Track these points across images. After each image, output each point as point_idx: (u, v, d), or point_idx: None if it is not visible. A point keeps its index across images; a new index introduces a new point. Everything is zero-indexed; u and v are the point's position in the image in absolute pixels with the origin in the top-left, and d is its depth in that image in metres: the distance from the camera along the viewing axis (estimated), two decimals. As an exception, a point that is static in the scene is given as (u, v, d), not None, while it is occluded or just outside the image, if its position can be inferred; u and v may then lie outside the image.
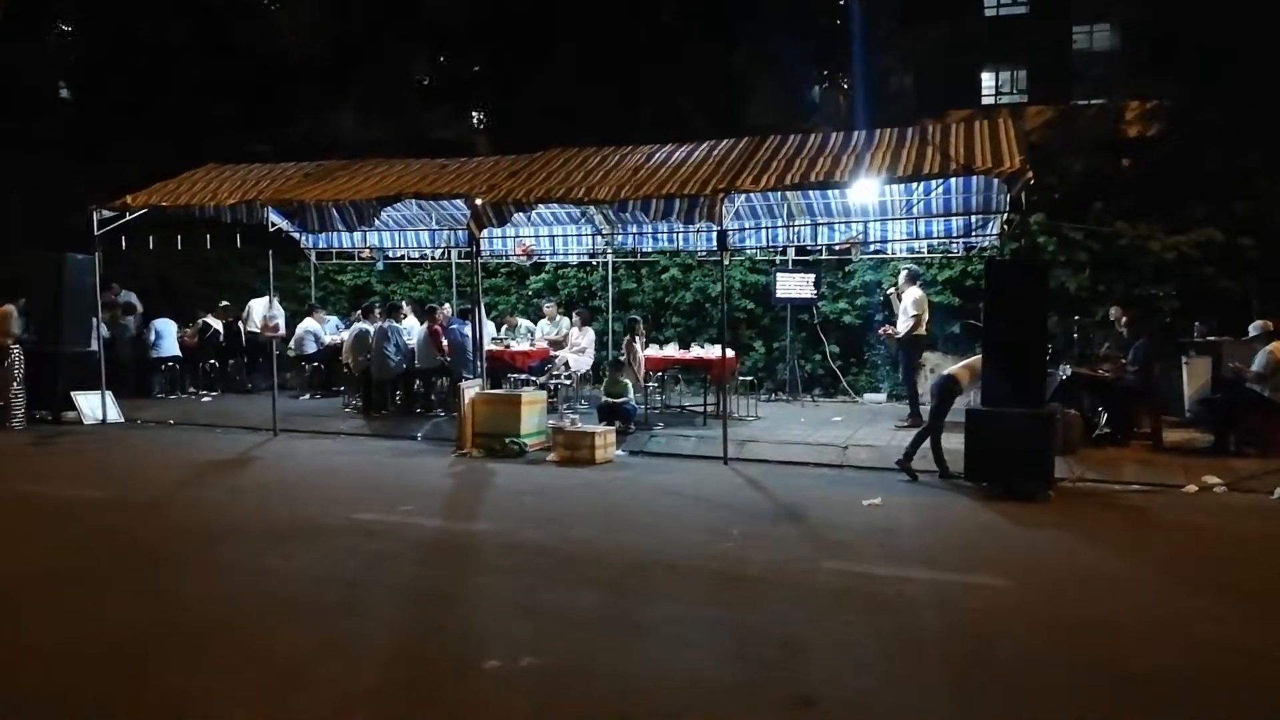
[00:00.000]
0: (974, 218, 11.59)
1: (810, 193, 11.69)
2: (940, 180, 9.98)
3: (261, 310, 13.97)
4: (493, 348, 12.07)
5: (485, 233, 11.19)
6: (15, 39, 20.80)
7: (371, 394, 12.35)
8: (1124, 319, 10.58)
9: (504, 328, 13.51)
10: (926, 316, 11.17)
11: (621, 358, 11.17)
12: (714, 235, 10.25)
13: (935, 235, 12.36)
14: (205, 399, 13.81)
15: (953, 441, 8.32)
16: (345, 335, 12.97)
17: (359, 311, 13.59)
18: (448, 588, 5.50)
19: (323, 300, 15.59)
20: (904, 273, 11.41)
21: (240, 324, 14.75)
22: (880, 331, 11.46)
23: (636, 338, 11.42)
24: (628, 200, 9.76)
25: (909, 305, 11.04)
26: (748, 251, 13.90)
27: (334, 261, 15.97)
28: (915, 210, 11.67)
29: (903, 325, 11.04)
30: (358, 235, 14.05)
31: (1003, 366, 7.96)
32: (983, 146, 9.17)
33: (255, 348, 14.56)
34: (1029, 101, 26.69)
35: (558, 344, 13.03)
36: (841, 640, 4.52)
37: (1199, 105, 15.25)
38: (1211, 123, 14.34)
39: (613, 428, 9.91)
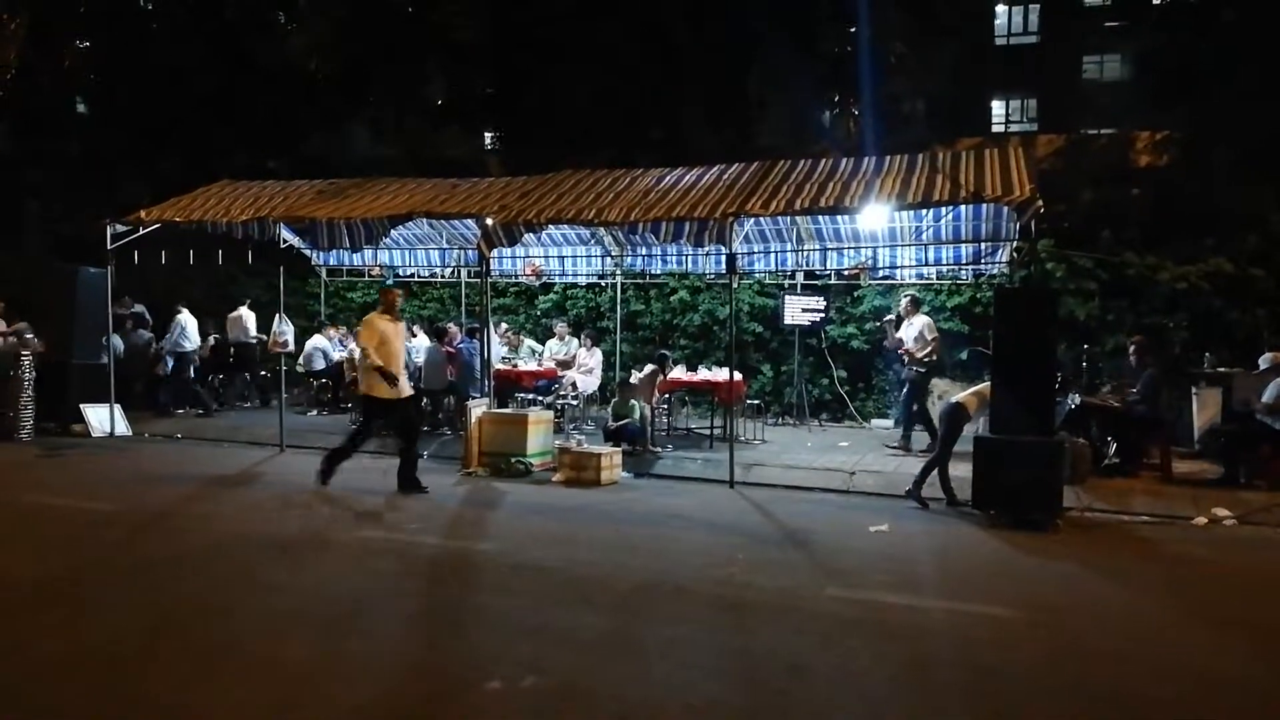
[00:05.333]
0: (983, 245, 11.60)
1: (820, 218, 11.72)
2: (950, 207, 10.01)
3: (251, 320, 14.12)
4: (500, 367, 12.09)
5: (495, 252, 11.23)
6: (35, 54, 21.03)
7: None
8: (1131, 349, 10.57)
9: (505, 346, 13.39)
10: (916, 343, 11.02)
11: (634, 381, 11.10)
12: (723, 258, 10.29)
13: (944, 262, 12.38)
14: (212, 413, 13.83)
15: (961, 469, 8.29)
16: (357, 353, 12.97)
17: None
18: (450, 606, 5.48)
19: (331, 318, 15.64)
20: (908, 299, 11.46)
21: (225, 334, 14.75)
22: (890, 343, 11.43)
23: (662, 374, 11.34)
24: (638, 222, 9.80)
25: (924, 330, 10.95)
26: (757, 275, 13.93)
27: (344, 279, 16.04)
28: (925, 237, 11.70)
29: (919, 349, 10.90)
30: (369, 253, 14.11)
31: (1011, 394, 7.94)
32: (993, 174, 9.18)
33: (242, 360, 14.59)
34: (1039, 130, 26.78)
35: (565, 364, 13.04)
36: (845, 667, 4.49)
37: (1210, 137, 15.27)
38: (1222, 155, 14.35)
39: (619, 449, 9.90)
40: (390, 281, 15.41)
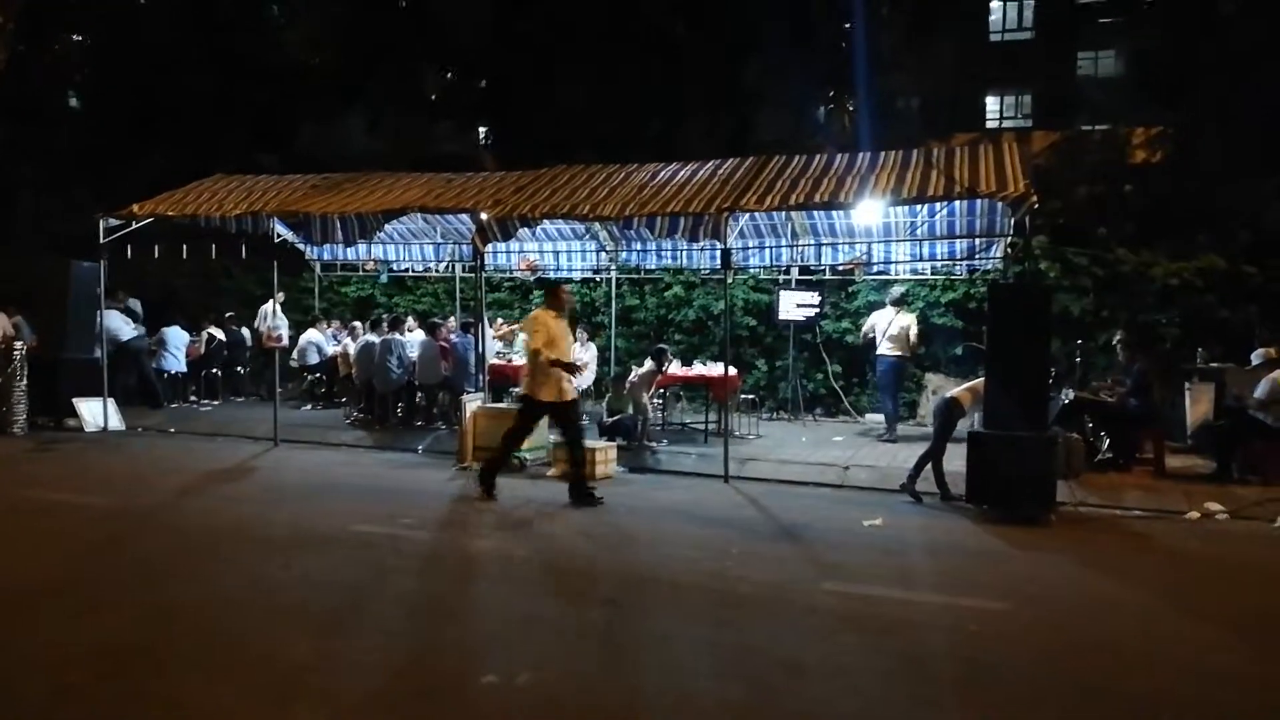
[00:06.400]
0: (977, 240, 11.63)
1: (815, 213, 11.74)
2: (944, 203, 10.02)
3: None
4: (495, 362, 12.09)
5: (489, 247, 11.22)
6: (27, 46, 20.93)
7: (373, 406, 12.36)
8: (1118, 345, 10.63)
9: (499, 341, 13.35)
10: (876, 335, 11.68)
11: (633, 379, 11.04)
12: (718, 253, 10.29)
13: (939, 257, 12.39)
14: (205, 408, 13.82)
15: (954, 464, 8.31)
16: (352, 347, 12.96)
17: (361, 324, 13.62)
18: (446, 601, 5.49)
19: (326, 312, 15.62)
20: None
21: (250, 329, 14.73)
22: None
23: (660, 371, 11.31)
24: (632, 217, 9.79)
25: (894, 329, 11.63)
26: (751, 270, 13.93)
27: (338, 273, 16.01)
28: (919, 232, 11.71)
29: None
30: (363, 247, 14.08)
31: (1005, 389, 7.96)
32: (987, 170, 9.20)
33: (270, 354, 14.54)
34: (1034, 126, 26.80)
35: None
36: (839, 661, 4.50)
37: (1204, 134, 15.30)
38: (1216, 151, 14.38)
39: (613, 444, 9.91)
40: (385, 278, 15.47)
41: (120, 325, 13.12)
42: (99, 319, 12.64)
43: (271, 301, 13.57)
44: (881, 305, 12.27)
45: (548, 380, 8.05)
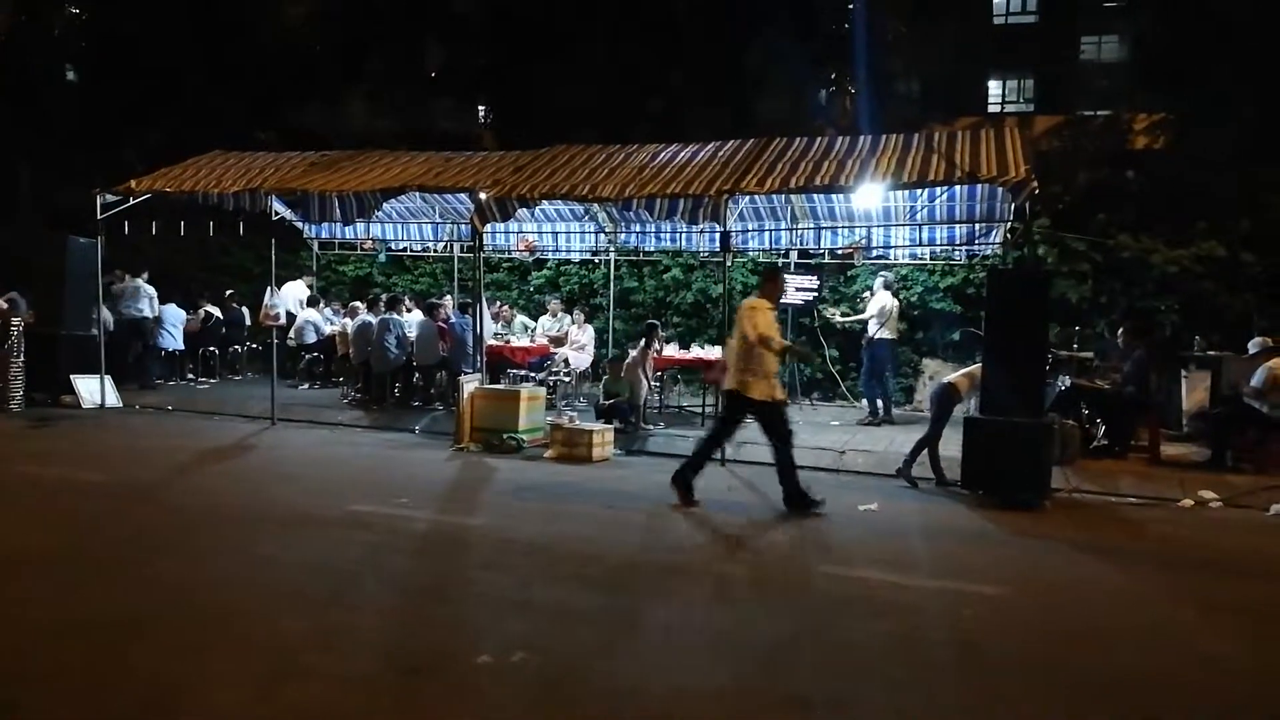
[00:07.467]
0: (977, 225, 11.61)
1: (815, 196, 11.72)
2: (945, 187, 9.99)
3: (295, 294, 14.06)
4: (493, 343, 12.09)
5: (488, 227, 11.19)
6: (25, 20, 20.80)
7: (370, 386, 12.36)
8: (1119, 330, 10.63)
9: (499, 322, 13.39)
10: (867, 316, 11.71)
11: (629, 361, 11.04)
12: (717, 236, 10.27)
13: (938, 242, 12.39)
14: (202, 386, 13.82)
15: (950, 449, 8.33)
16: (350, 326, 12.96)
17: (360, 303, 13.59)
18: (441, 581, 5.51)
19: (324, 290, 15.60)
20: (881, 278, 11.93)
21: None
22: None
23: (654, 344, 11.29)
24: (632, 199, 9.77)
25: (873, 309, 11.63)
26: (750, 253, 13.90)
27: (336, 252, 15.98)
28: (919, 216, 11.70)
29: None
30: (361, 226, 14.05)
31: (1002, 375, 7.97)
32: (988, 155, 9.17)
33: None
34: (1035, 110, 26.70)
35: (558, 340, 13.04)
36: (835, 644, 4.52)
37: (1204, 120, 15.25)
38: (1216, 138, 14.34)
39: (611, 426, 9.92)
40: (383, 258, 15.44)
41: (145, 303, 13.21)
42: (97, 296, 12.69)
43: (299, 282, 13.60)
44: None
45: (762, 377, 7.16)
